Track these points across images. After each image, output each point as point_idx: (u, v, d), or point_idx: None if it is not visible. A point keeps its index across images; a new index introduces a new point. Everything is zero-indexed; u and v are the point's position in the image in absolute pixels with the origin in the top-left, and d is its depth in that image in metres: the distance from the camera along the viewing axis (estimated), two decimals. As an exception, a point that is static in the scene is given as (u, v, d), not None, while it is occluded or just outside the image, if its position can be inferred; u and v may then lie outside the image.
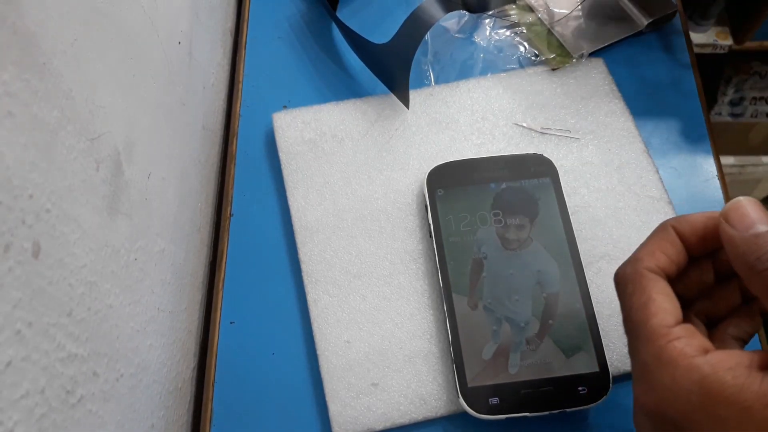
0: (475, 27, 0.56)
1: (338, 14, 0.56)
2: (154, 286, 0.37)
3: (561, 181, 0.43)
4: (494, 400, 0.37)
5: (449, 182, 0.43)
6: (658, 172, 0.47)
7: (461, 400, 0.37)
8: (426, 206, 0.43)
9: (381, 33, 0.52)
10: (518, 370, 0.38)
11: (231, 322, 0.43)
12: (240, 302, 0.44)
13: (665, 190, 0.46)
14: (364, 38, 0.49)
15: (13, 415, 0.22)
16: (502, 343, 0.38)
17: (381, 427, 0.39)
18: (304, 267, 0.44)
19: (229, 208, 0.48)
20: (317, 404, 0.40)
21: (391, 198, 0.46)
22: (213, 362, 0.42)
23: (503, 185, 0.43)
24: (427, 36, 0.54)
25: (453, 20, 0.56)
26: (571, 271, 0.40)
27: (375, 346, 0.41)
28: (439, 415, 0.39)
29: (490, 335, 0.39)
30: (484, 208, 0.42)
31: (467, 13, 0.55)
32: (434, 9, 0.48)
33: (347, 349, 0.41)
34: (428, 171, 0.44)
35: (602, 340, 0.38)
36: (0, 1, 0.23)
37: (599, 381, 0.37)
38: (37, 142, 0.25)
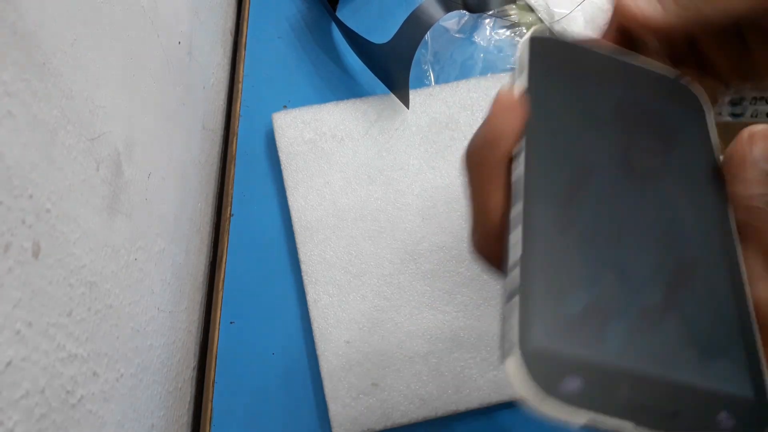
0: (475, 27, 0.56)
1: (338, 14, 0.56)
2: (154, 286, 0.37)
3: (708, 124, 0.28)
4: (574, 383, 0.19)
5: (557, 64, 0.27)
6: (658, 172, 0.46)
7: (514, 361, 0.19)
8: (522, 66, 0.26)
9: (381, 33, 0.52)
10: (622, 349, 0.21)
11: (231, 322, 0.43)
12: (240, 302, 0.44)
13: (665, 190, 0.46)
14: (364, 38, 0.49)
15: (13, 415, 0.22)
16: (602, 297, 0.22)
17: (381, 427, 0.39)
18: (304, 267, 0.44)
19: (229, 208, 0.48)
20: (317, 404, 0.40)
21: (391, 198, 0.46)
22: (213, 362, 0.42)
23: (633, 95, 0.28)
24: (427, 36, 0.54)
25: (453, 20, 0.56)
26: (718, 239, 0.25)
27: (375, 346, 0.41)
28: (438, 415, 0.39)
29: (584, 279, 0.22)
30: (604, 110, 0.27)
31: (467, 13, 0.55)
32: (434, 9, 0.48)
33: (347, 349, 0.41)
34: (530, 36, 0.27)
35: (759, 351, 0.23)
36: (0, 1, 0.23)
37: (753, 413, 0.22)
38: (37, 142, 0.25)
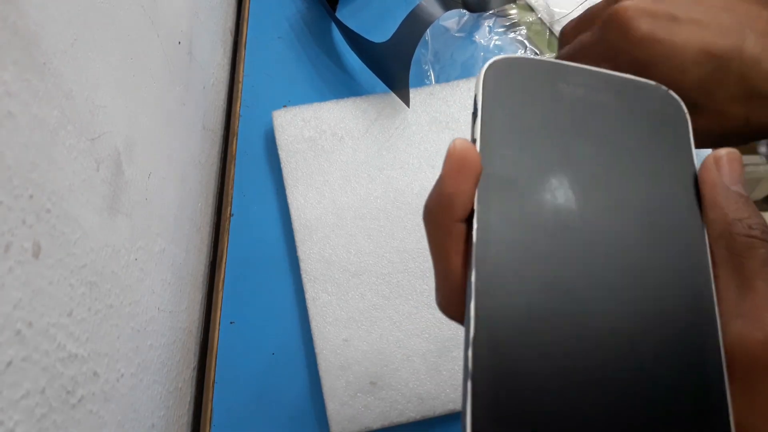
0: (475, 26, 0.56)
1: (338, 14, 0.56)
2: (154, 286, 0.37)
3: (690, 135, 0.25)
4: None
5: (519, 87, 0.25)
6: (657, 171, 0.46)
7: None
8: (476, 110, 0.24)
9: (381, 33, 0.52)
10: (590, 406, 0.19)
11: (231, 322, 0.43)
12: (240, 302, 0.44)
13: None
14: (363, 37, 0.49)
15: (14, 415, 0.22)
16: (555, 382, 0.19)
17: (378, 425, 0.39)
18: (302, 265, 0.44)
19: (229, 208, 0.48)
20: (316, 403, 0.41)
21: (390, 197, 0.46)
22: (213, 362, 0.42)
23: (612, 107, 0.25)
24: (428, 35, 0.54)
25: (453, 20, 0.56)
26: (691, 271, 0.22)
27: (373, 344, 0.41)
28: (437, 414, 0.39)
29: (536, 362, 0.20)
30: (579, 130, 0.24)
31: (467, 12, 0.55)
32: (433, 7, 0.48)
33: (345, 347, 0.41)
34: (487, 63, 0.24)
35: (728, 405, 0.20)
36: (0, 1, 0.23)
37: None
38: (38, 142, 0.25)
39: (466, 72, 0.53)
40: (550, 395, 0.19)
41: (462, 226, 0.21)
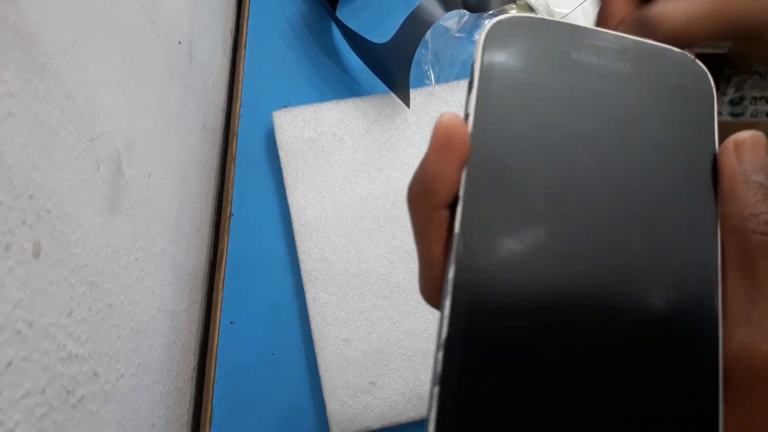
0: (475, 27, 0.56)
1: (338, 14, 0.56)
2: (154, 286, 0.37)
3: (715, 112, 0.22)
4: None
5: (525, 53, 0.21)
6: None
7: None
8: (472, 80, 0.20)
9: (381, 33, 0.52)
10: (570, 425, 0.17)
11: (231, 322, 0.43)
12: (240, 302, 0.44)
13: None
14: (364, 38, 0.49)
15: (14, 415, 0.22)
16: (531, 395, 0.17)
17: (379, 425, 0.39)
18: (302, 265, 0.44)
19: (229, 208, 0.48)
20: (316, 403, 0.41)
21: (390, 197, 0.46)
22: (213, 362, 0.42)
23: (630, 77, 0.21)
24: (428, 36, 0.54)
25: (453, 20, 0.56)
26: (699, 269, 0.19)
27: (373, 344, 0.41)
28: (438, 414, 0.39)
29: (513, 372, 0.17)
30: (589, 103, 0.20)
31: (467, 12, 0.55)
32: (434, 8, 0.48)
33: (345, 347, 0.41)
34: (490, 24, 0.21)
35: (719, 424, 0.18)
36: (1, 1, 0.23)
37: None
38: (38, 142, 0.25)
39: (466, 72, 0.53)
40: (526, 406, 0.17)
41: (444, 213, 0.19)
